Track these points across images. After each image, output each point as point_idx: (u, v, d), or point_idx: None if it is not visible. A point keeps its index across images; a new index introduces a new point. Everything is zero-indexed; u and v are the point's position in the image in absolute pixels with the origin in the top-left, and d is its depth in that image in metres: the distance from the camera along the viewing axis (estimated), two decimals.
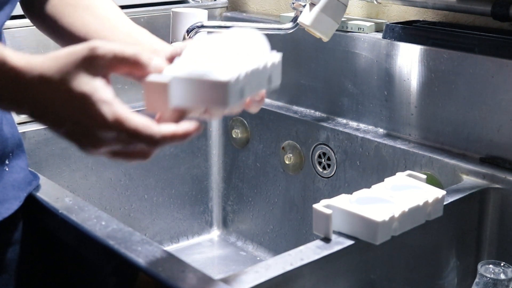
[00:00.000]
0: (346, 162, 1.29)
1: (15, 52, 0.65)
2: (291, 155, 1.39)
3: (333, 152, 1.31)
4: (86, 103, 0.63)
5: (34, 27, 1.15)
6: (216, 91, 0.64)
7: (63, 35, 0.89)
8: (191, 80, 0.65)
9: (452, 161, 1.11)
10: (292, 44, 1.39)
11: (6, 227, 0.88)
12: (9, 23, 1.19)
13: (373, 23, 1.28)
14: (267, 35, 1.46)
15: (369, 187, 0.90)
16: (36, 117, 0.66)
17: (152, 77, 0.65)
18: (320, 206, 0.83)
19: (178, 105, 0.66)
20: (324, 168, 1.34)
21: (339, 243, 0.83)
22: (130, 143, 0.64)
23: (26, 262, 0.94)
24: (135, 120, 0.64)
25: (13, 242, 0.91)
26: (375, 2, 1.29)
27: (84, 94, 0.63)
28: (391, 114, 1.24)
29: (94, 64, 0.64)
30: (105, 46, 0.65)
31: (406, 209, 0.85)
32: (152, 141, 0.64)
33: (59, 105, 0.64)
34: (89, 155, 0.67)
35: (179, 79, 0.65)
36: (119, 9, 0.90)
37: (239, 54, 0.69)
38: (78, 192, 1.30)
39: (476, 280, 0.90)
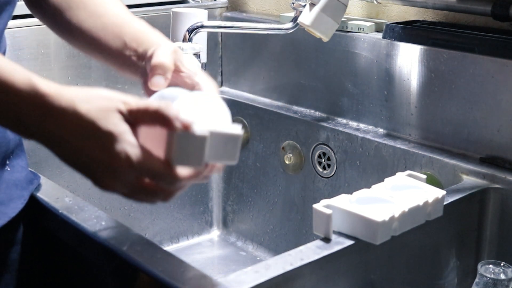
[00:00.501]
0: (346, 162, 1.29)
1: (43, 79, 0.66)
2: (291, 155, 1.39)
3: (333, 152, 1.31)
4: (112, 142, 0.65)
5: (34, 27, 1.15)
6: (232, 145, 0.68)
7: (63, 30, 0.89)
8: (224, 135, 0.67)
9: (452, 161, 1.11)
10: (292, 44, 1.39)
11: (9, 227, 0.88)
12: (9, 23, 1.19)
13: (373, 23, 1.28)
14: (268, 35, 1.46)
15: (369, 187, 0.90)
16: (52, 146, 0.67)
17: (185, 132, 0.65)
18: (320, 206, 0.83)
19: (209, 160, 0.67)
20: (324, 168, 1.34)
21: (339, 243, 0.83)
22: (152, 185, 0.67)
23: (26, 262, 0.94)
24: (156, 161, 0.65)
25: (15, 243, 0.91)
26: (375, 2, 1.29)
27: (112, 133, 0.65)
28: (391, 114, 1.24)
29: (125, 111, 0.66)
30: (136, 103, 0.66)
31: (406, 209, 0.85)
32: (176, 181, 0.67)
33: (83, 139, 0.65)
34: (104, 191, 0.69)
35: (216, 133, 0.67)
36: (115, 2, 0.88)
37: (222, 116, 0.72)
38: (78, 192, 1.30)
39: (476, 280, 0.90)
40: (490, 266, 0.89)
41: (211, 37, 1.48)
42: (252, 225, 1.51)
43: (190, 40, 1.20)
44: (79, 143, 0.65)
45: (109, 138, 0.65)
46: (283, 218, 1.44)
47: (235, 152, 0.68)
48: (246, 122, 1.49)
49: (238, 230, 1.54)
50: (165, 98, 0.72)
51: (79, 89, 0.67)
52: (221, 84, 1.59)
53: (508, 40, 1.08)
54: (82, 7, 0.86)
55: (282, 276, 0.76)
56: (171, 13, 1.28)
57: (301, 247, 0.82)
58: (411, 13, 1.28)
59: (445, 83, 1.14)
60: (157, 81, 0.75)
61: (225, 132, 0.67)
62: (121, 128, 0.65)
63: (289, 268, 0.77)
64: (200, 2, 1.53)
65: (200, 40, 1.25)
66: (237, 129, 0.68)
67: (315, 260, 0.80)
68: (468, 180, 1.07)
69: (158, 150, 0.66)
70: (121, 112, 0.66)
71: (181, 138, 0.65)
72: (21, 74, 0.65)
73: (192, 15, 1.24)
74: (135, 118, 0.66)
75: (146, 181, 0.67)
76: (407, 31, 1.20)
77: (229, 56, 1.56)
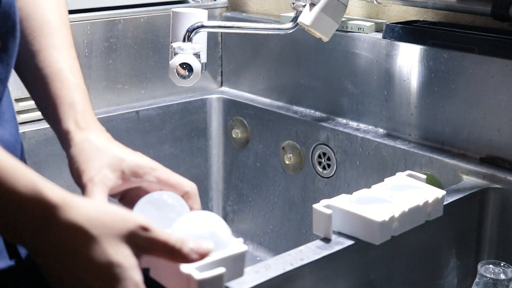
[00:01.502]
0: (346, 162, 1.29)
1: (51, 185, 0.59)
2: (291, 155, 1.39)
3: (333, 152, 1.31)
4: (116, 278, 0.59)
5: None
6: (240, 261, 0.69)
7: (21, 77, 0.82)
8: (234, 257, 0.67)
9: (452, 161, 1.11)
10: (292, 44, 1.39)
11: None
12: None
13: (373, 23, 1.28)
14: (268, 35, 1.46)
15: (369, 187, 0.90)
16: (43, 261, 0.59)
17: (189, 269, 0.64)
18: (320, 206, 0.83)
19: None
20: (324, 168, 1.34)
21: (339, 243, 0.83)
22: None
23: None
24: None
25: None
26: (375, 2, 1.29)
27: (119, 266, 0.59)
28: (391, 114, 1.24)
29: (138, 242, 0.61)
30: (158, 232, 0.62)
31: (406, 209, 0.85)
32: None
33: (84, 267, 0.58)
34: None
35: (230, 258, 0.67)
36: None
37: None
38: (78, 192, 1.29)
39: (476, 280, 0.90)
40: (490, 266, 0.89)
41: (211, 37, 1.48)
42: (252, 225, 1.51)
43: (190, 40, 1.20)
44: (78, 269, 0.58)
45: (113, 272, 0.58)
46: (283, 218, 1.43)
47: (243, 266, 0.69)
48: (246, 122, 1.49)
49: (238, 230, 1.54)
50: (153, 202, 0.71)
51: (92, 204, 0.60)
52: (221, 84, 1.59)
53: (508, 40, 1.08)
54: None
55: (282, 276, 0.76)
56: (171, 13, 1.28)
57: (301, 247, 0.81)
58: (411, 13, 1.28)
59: (445, 83, 1.14)
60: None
61: (234, 254, 0.67)
62: (129, 263, 0.59)
63: (289, 268, 0.77)
64: (200, 2, 1.53)
65: (200, 40, 1.25)
66: (242, 246, 0.68)
67: (315, 260, 0.79)
68: (468, 180, 1.07)
69: (162, 277, 0.65)
70: (136, 236, 0.60)
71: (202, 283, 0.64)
72: (25, 178, 0.57)
73: (192, 15, 1.24)
74: (150, 246, 0.61)
75: None
76: (407, 31, 1.20)
77: (229, 56, 1.56)
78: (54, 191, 0.58)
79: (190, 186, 0.74)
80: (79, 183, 0.72)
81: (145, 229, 0.61)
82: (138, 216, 0.62)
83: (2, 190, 0.56)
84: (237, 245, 0.68)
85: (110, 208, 0.61)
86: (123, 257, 0.59)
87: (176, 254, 0.62)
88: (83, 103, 0.77)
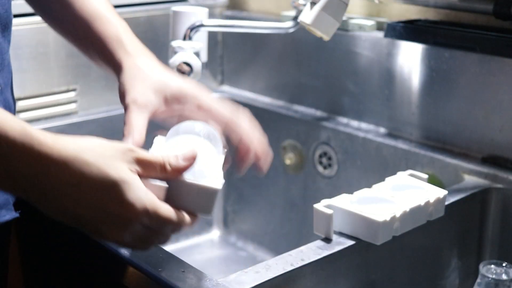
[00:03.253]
0: (347, 161, 1.28)
1: (38, 129, 0.61)
2: (292, 154, 1.39)
3: (334, 152, 1.31)
4: (125, 191, 0.61)
5: (33, 26, 1.15)
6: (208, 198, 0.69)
7: (55, 27, 0.88)
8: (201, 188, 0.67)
9: (454, 161, 1.11)
10: (292, 43, 1.39)
11: (11, 228, 0.87)
12: None
13: (374, 22, 1.28)
14: (268, 34, 1.46)
15: (370, 187, 0.90)
16: (48, 202, 0.61)
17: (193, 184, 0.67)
18: (321, 206, 0.83)
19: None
20: (325, 167, 1.34)
21: (340, 243, 0.83)
22: (159, 230, 0.64)
23: (25, 262, 0.93)
24: (167, 208, 0.64)
25: (16, 243, 0.91)
26: (376, 1, 1.29)
27: (124, 182, 0.61)
28: (392, 113, 1.23)
29: (132, 159, 0.63)
30: (142, 153, 0.64)
31: (408, 209, 0.84)
32: (179, 227, 0.65)
33: (90, 191, 0.60)
34: (108, 242, 0.67)
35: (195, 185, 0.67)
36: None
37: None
38: None
39: (478, 280, 0.90)
40: (492, 266, 0.89)
41: (211, 36, 1.47)
42: (252, 225, 1.50)
43: (190, 39, 1.20)
44: (84, 195, 0.60)
45: (121, 187, 0.60)
46: (284, 218, 1.43)
47: (211, 204, 0.68)
48: None
49: (239, 230, 1.54)
50: (182, 131, 0.72)
51: (77, 139, 0.62)
52: (222, 83, 1.59)
53: (510, 39, 1.07)
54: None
55: (283, 277, 0.76)
56: (171, 12, 1.28)
57: (302, 248, 0.81)
58: (412, 12, 1.28)
59: (447, 82, 1.14)
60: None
61: (204, 186, 0.67)
62: (132, 176, 0.61)
63: (289, 268, 0.77)
64: (200, 1, 1.53)
65: (200, 39, 1.25)
66: (217, 183, 0.68)
67: (315, 260, 0.79)
68: (470, 180, 1.07)
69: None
70: (126, 155, 0.62)
71: (189, 188, 0.66)
72: (15, 122, 0.59)
73: (192, 14, 1.24)
74: (142, 168, 0.63)
75: (155, 226, 0.64)
76: (409, 30, 1.19)
77: (230, 55, 1.55)
78: (42, 133, 0.60)
79: (228, 116, 0.76)
80: (123, 103, 0.75)
81: (131, 150, 0.63)
82: (125, 142, 0.66)
83: None
84: (214, 180, 0.67)
85: (95, 139, 0.63)
86: (125, 173, 0.61)
87: (166, 166, 0.64)
88: (128, 34, 0.82)
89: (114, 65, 0.80)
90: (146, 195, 0.62)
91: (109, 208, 0.61)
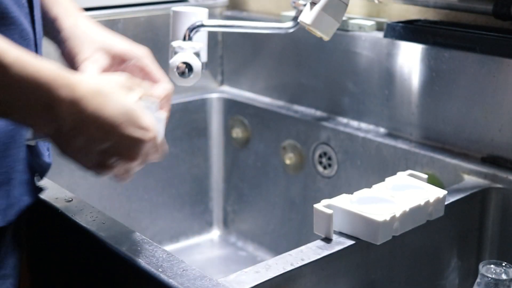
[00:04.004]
0: (347, 161, 1.28)
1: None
2: (292, 154, 1.39)
3: (334, 152, 1.31)
4: (140, 116, 0.67)
5: None
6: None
7: None
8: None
9: (454, 161, 1.11)
10: (292, 43, 1.39)
11: (12, 228, 0.87)
12: None
13: (374, 22, 1.28)
14: (268, 34, 1.46)
15: (370, 187, 0.90)
16: (76, 133, 0.64)
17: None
18: (321, 206, 0.83)
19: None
20: (324, 167, 1.34)
21: (340, 243, 0.83)
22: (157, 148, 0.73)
23: (26, 263, 0.93)
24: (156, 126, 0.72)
25: (18, 244, 0.91)
26: (376, 1, 1.29)
27: (137, 108, 0.67)
28: (392, 113, 1.23)
29: (131, 86, 0.69)
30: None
31: (407, 209, 0.84)
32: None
33: (113, 116, 0.65)
34: (127, 168, 0.73)
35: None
36: None
37: None
38: (78, 192, 1.29)
39: (478, 280, 0.90)
40: (492, 266, 0.89)
41: (212, 36, 1.47)
42: (252, 225, 1.50)
43: (190, 39, 1.20)
44: (112, 121, 0.64)
45: (137, 112, 0.67)
46: (284, 218, 1.43)
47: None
48: (246, 122, 1.48)
49: (239, 230, 1.54)
50: None
51: (85, 75, 0.69)
52: (222, 83, 1.59)
53: (510, 39, 1.07)
54: None
55: (283, 276, 0.76)
56: (171, 12, 1.28)
57: (302, 247, 0.81)
58: (412, 12, 1.28)
59: (446, 82, 1.14)
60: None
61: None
62: (137, 103, 0.68)
63: (289, 268, 0.77)
64: (200, 1, 1.53)
65: (200, 39, 1.24)
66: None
67: (315, 260, 0.79)
68: (470, 179, 1.07)
69: None
70: (127, 81, 0.69)
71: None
72: (45, 63, 0.62)
73: (192, 14, 1.24)
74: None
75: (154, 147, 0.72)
76: (408, 30, 1.19)
77: (230, 55, 1.55)
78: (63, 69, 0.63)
79: (166, 87, 0.82)
80: (72, 65, 0.80)
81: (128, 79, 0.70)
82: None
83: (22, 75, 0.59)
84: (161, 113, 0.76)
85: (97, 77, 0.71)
86: (135, 100, 0.68)
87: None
88: (68, 1, 0.85)
89: (50, 24, 0.82)
90: (151, 119, 0.70)
91: (130, 131, 0.66)
